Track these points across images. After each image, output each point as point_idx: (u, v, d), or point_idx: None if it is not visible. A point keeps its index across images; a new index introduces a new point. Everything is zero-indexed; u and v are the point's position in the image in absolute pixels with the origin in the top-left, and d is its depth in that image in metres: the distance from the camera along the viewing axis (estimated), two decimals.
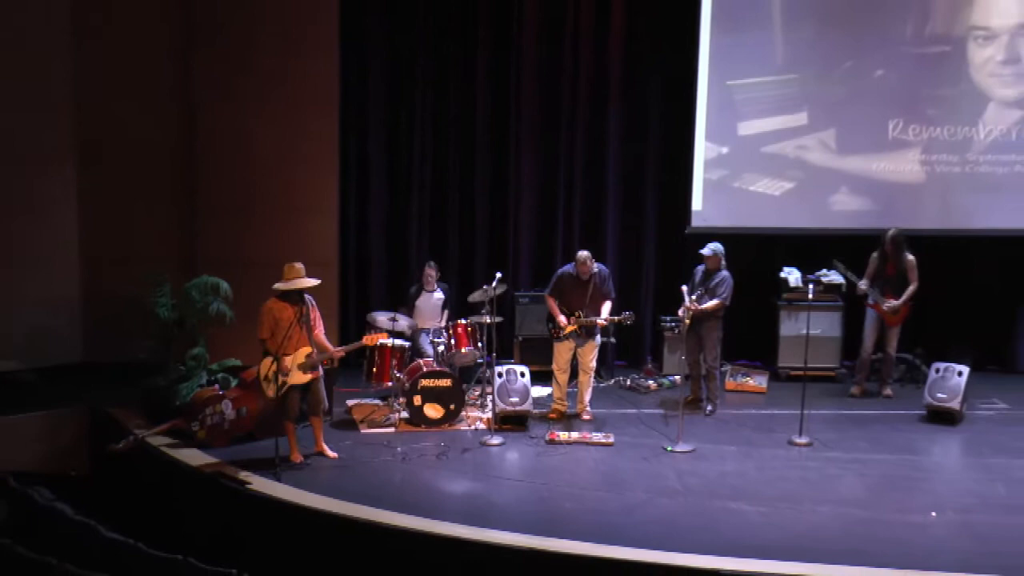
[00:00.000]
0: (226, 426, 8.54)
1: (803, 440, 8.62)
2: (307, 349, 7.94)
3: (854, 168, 10.78)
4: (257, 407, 8.58)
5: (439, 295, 9.93)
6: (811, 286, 9.59)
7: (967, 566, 6.33)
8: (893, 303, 9.76)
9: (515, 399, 9.07)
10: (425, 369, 9.10)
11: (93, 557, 6.19)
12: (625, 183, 11.05)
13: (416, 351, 9.68)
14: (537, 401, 9.39)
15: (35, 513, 7.22)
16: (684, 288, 9.16)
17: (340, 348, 8.38)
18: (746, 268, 10.15)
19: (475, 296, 9.54)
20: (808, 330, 9.35)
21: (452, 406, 9.07)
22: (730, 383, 10.32)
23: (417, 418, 9.02)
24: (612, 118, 10.91)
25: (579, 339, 9.18)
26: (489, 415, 8.96)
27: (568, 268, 9.25)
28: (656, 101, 10.90)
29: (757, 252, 10.82)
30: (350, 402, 9.64)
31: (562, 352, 9.26)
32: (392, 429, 8.98)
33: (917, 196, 10.79)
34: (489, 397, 9.18)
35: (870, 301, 9.89)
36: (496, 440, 8.64)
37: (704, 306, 9.17)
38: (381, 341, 9.12)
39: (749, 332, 10.72)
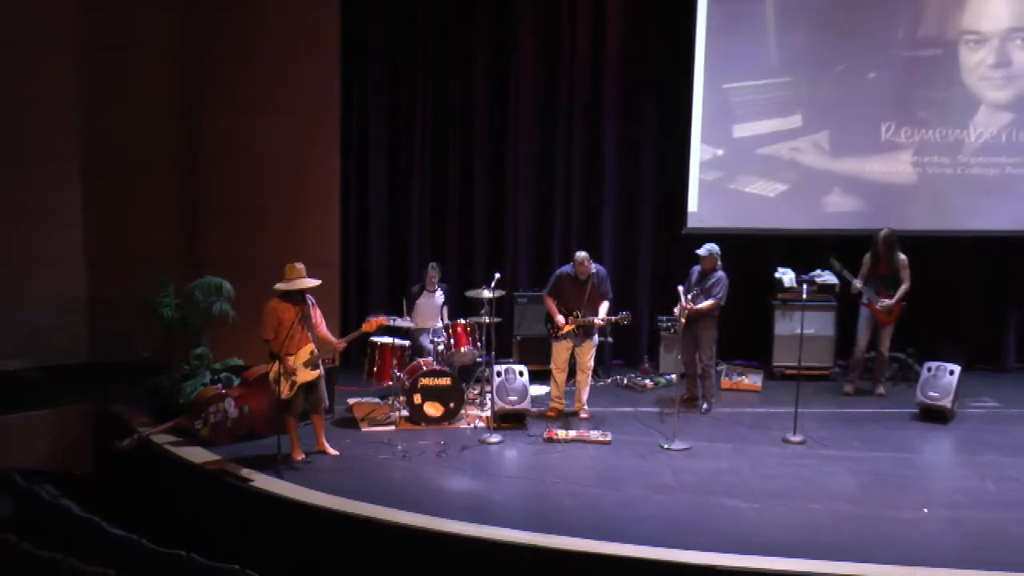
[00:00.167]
0: (229, 424, 8.60)
1: (797, 438, 8.68)
2: (309, 347, 8.03)
3: (847, 170, 10.81)
4: (260, 405, 8.65)
5: (440, 295, 9.99)
6: (805, 286, 9.68)
7: (957, 562, 6.42)
8: (887, 302, 9.81)
9: (514, 398, 9.13)
10: (425, 368, 9.15)
11: (97, 553, 6.21)
12: (622, 184, 11.09)
13: (416, 350, 9.74)
14: (535, 400, 9.42)
15: (40, 509, 7.26)
16: (680, 288, 9.15)
17: (342, 340, 8.44)
18: (741, 268, 10.22)
19: (472, 292, 9.52)
20: (802, 329, 9.41)
21: (452, 404, 9.13)
22: (725, 382, 10.36)
23: (417, 416, 9.09)
24: (609, 120, 10.95)
25: (577, 339, 9.23)
26: (488, 413, 9.01)
27: (566, 268, 9.29)
28: (653, 104, 10.93)
29: (752, 253, 10.83)
30: (351, 400, 9.68)
31: (560, 351, 9.31)
32: (392, 427, 9.06)
33: (909, 197, 10.82)
34: (488, 396, 9.22)
35: (865, 300, 9.93)
36: (495, 438, 8.71)
37: (700, 306, 9.22)
38: (381, 341, 9.24)
39: (744, 331, 10.73)
